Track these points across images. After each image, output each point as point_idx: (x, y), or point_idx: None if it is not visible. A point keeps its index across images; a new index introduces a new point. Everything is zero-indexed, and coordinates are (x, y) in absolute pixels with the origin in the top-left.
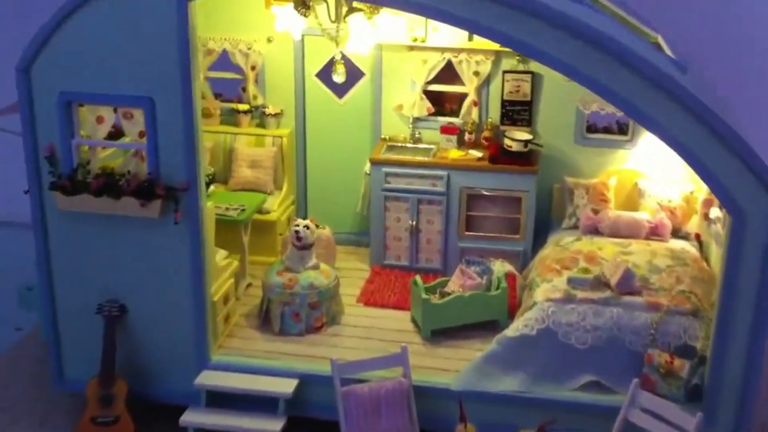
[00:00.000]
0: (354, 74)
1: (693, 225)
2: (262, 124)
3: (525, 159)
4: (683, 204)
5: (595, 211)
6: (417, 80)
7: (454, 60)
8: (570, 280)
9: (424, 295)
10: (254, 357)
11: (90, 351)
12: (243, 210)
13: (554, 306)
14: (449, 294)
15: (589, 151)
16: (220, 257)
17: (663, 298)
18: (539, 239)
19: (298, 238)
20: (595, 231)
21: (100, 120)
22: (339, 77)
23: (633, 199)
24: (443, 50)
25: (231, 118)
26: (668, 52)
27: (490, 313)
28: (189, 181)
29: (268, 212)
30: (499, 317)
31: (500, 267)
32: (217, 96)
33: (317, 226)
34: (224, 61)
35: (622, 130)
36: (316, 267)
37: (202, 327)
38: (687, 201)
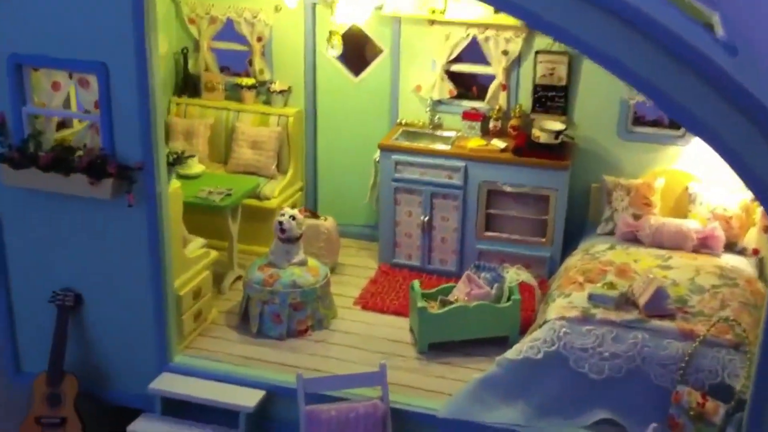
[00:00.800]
0: (372, 51)
1: (751, 239)
2: (268, 102)
3: (555, 152)
4: (741, 214)
5: (636, 217)
6: (438, 59)
7: (479, 37)
8: (591, 297)
9: (420, 303)
10: (222, 361)
11: (49, 343)
12: (228, 195)
13: (567, 326)
14: (451, 303)
15: (634, 147)
16: (194, 246)
17: (700, 325)
18: (571, 245)
19: (282, 230)
20: (633, 239)
21: (55, 86)
22: (334, 50)
23: (682, 204)
24: (468, 25)
25: (236, 93)
26: (720, 32)
27: (498, 328)
28: (145, 161)
29: (267, 198)
30: (510, 333)
31: (514, 275)
32: (223, 69)
33: (314, 216)
34: (229, 30)
35: (674, 123)
36: (302, 263)
37: (162, 324)
38: (746, 210)
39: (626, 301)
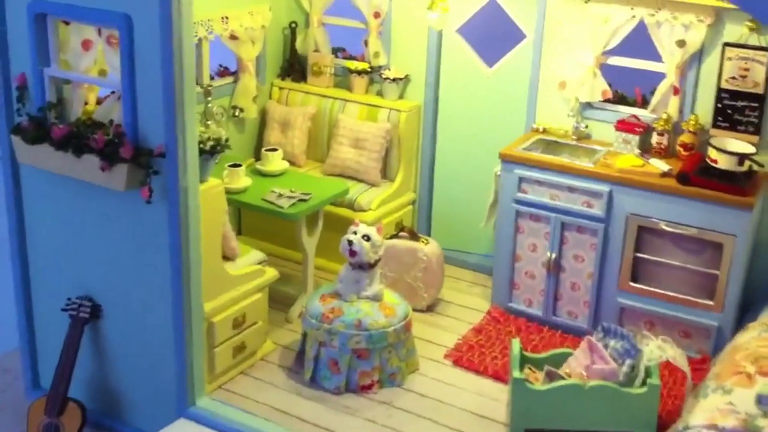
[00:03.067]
0: (511, 35)
1: None
2: (381, 92)
3: (737, 183)
4: None
5: None
6: (592, 48)
7: (649, 20)
8: (761, 399)
9: (517, 372)
10: (255, 413)
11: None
12: (303, 200)
13: None
14: (562, 377)
15: None
16: (246, 261)
17: None
18: (749, 314)
19: (351, 252)
20: None
21: (86, 45)
22: (436, 16)
23: None
24: (635, 4)
25: (346, 80)
26: None
27: (624, 421)
28: (167, 144)
29: (362, 210)
30: (640, 431)
31: (656, 349)
32: (337, 51)
33: (413, 237)
34: (345, 4)
35: None
36: (376, 298)
37: (182, 357)
38: None
39: None
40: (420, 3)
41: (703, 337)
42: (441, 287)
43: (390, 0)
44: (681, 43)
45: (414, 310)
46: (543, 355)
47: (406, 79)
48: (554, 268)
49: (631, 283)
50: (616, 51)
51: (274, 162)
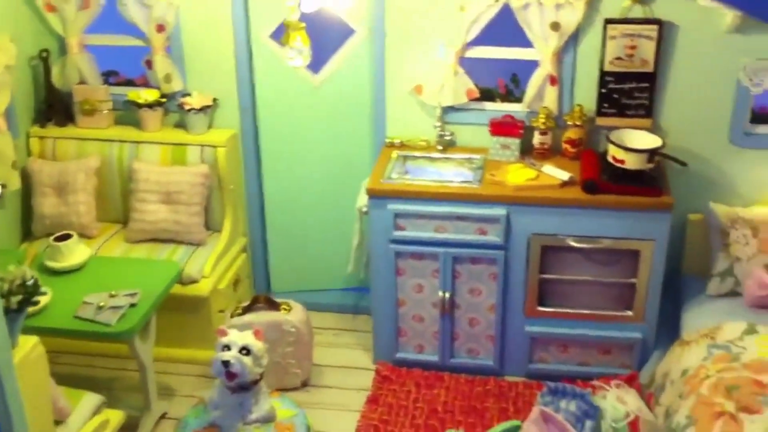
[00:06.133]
0: (337, 32)
1: None
2: (183, 125)
3: (651, 183)
4: None
5: None
6: (449, 42)
7: (514, 3)
8: None
9: None
10: None
11: None
12: (133, 304)
13: None
14: None
15: (754, 157)
16: (82, 415)
17: None
18: (662, 317)
19: (229, 374)
20: None
21: None
22: (297, 54)
23: None
24: None
25: (131, 114)
26: None
27: None
28: None
29: (193, 281)
30: None
31: (618, 405)
32: (108, 76)
33: (272, 307)
34: (111, 16)
35: None
36: (268, 419)
37: None
38: None
39: None
40: (216, 7)
41: (625, 351)
42: (311, 354)
43: (177, 8)
44: (555, 26)
45: (286, 390)
46: None
47: (214, 105)
48: (448, 308)
49: (540, 308)
50: (479, 41)
51: (74, 253)
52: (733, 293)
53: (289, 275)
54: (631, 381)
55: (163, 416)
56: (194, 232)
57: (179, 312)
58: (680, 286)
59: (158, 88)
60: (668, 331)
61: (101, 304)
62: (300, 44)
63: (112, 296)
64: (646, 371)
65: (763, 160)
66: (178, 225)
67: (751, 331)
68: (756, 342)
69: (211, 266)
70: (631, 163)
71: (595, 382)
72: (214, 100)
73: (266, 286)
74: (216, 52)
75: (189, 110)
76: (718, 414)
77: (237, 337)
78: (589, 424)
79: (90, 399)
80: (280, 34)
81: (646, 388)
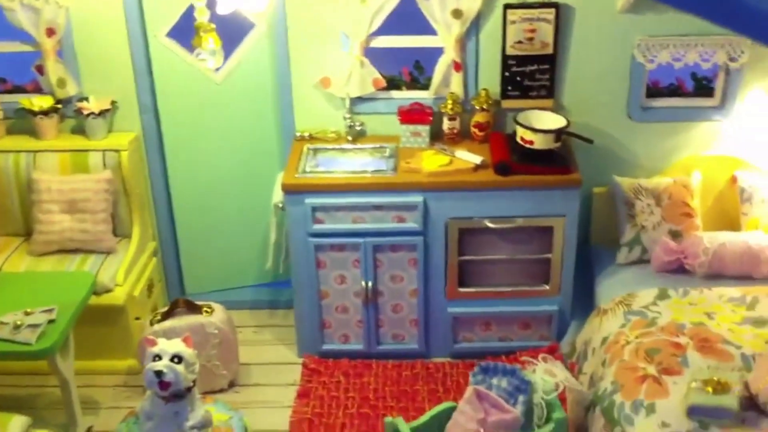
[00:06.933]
0: (238, 27)
1: None
2: (81, 130)
3: (559, 162)
4: None
5: (675, 235)
6: (352, 34)
7: None
8: (693, 410)
9: None
10: None
11: None
12: (51, 320)
13: None
14: None
15: (652, 130)
16: None
17: None
18: (577, 288)
19: (163, 384)
20: (678, 270)
21: None
22: (210, 56)
23: (730, 206)
24: None
25: (25, 123)
26: None
27: None
28: None
29: (107, 290)
30: None
31: (547, 377)
32: None
33: (193, 310)
34: None
35: (703, 88)
36: (205, 424)
37: None
38: None
39: (750, 404)
40: (109, 8)
41: (544, 324)
42: (237, 356)
43: (67, 10)
44: (457, 14)
45: (214, 392)
46: (424, 419)
47: (113, 108)
48: (372, 297)
49: (460, 289)
50: (382, 30)
51: None
52: (642, 261)
53: (203, 276)
54: (551, 352)
55: (89, 430)
56: (103, 240)
57: (95, 323)
58: (590, 257)
59: (52, 93)
60: (583, 301)
61: (18, 322)
62: (212, 45)
63: (27, 314)
64: (566, 341)
65: (661, 133)
66: (86, 234)
67: (663, 296)
68: (669, 306)
69: (124, 274)
70: (540, 143)
71: (524, 357)
72: (113, 102)
73: (180, 288)
74: (111, 53)
75: (88, 115)
76: (641, 378)
77: (167, 346)
78: (521, 398)
79: (18, 422)
80: (178, 32)
81: (568, 357)
